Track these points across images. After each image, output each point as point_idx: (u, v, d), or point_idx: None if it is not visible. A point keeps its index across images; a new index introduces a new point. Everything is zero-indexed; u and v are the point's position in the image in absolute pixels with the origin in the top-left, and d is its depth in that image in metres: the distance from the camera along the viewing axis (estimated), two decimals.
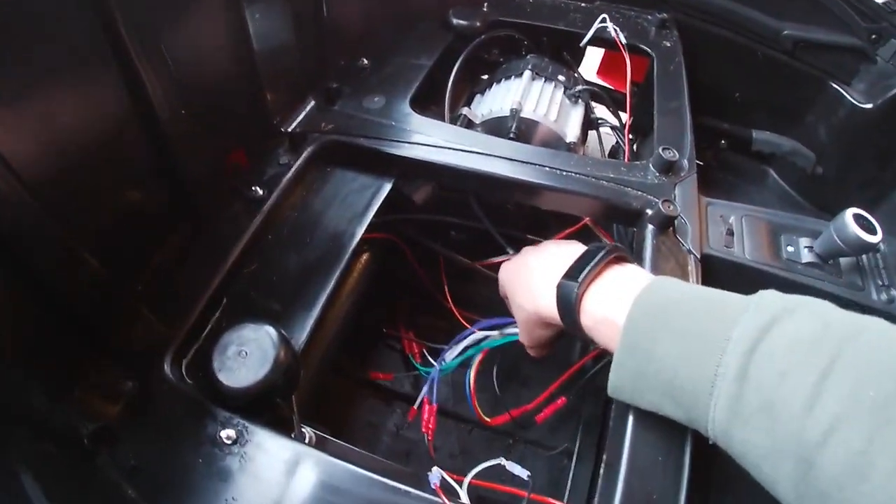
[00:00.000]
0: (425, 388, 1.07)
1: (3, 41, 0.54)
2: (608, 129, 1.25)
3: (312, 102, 1.05)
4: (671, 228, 0.86)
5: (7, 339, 0.61)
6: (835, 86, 1.36)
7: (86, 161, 0.68)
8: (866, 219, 0.82)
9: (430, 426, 1.05)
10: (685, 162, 0.96)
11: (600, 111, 1.27)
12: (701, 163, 1.54)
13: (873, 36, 1.28)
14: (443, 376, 1.08)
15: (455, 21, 1.23)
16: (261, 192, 0.90)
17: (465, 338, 1.01)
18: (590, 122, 1.18)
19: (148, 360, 0.70)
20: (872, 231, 0.80)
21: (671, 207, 0.85)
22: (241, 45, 0.87)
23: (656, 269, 0.81)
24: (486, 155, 0.94)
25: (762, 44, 1.38)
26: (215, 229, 0.85)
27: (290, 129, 0.99)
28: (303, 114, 1.03)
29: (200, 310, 0.76)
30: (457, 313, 1.08)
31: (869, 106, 1.31)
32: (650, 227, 0.86)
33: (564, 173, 0.92)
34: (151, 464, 0.63)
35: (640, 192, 0.90)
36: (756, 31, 1.37)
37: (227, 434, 0.63)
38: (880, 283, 0.86)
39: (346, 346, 1.07)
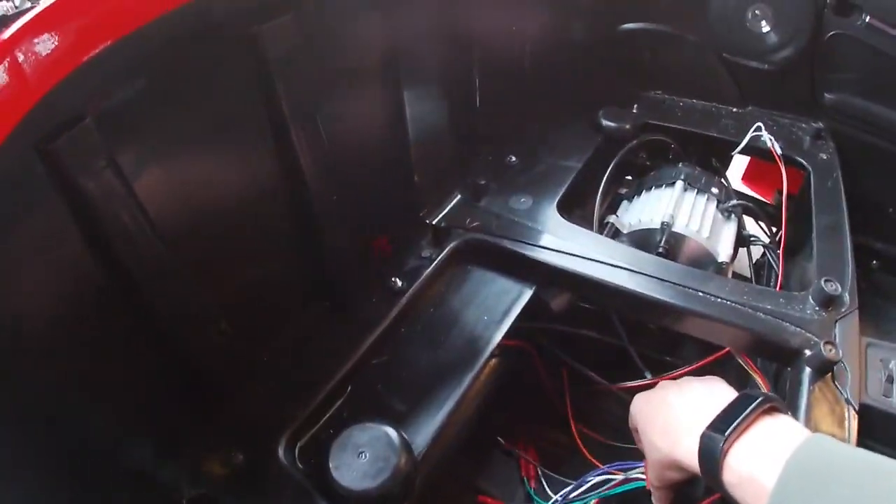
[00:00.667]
0: None
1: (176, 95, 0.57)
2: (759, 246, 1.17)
3: (459, 196, 1.06)
4: (830, 374, 0.79)
5: (126, 389, 0.62)
6: None
7: (230, 223, 0.71)
8: None
9: None
10: (846, 296, 0.88)
11: (750, 225, 1.20)
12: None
13: None
14: None
15: (605, 122, 1.22)
16: (400, 283, 0.91)
17: (588, 480, 0.97)
18: (741, 239, 1.11)
19: (262, 435, 0.70)
20: None
21: (832, 351, 0.78)
22: (397, 125, 0.90)
23: (810, 421, 0.74)
24: (632, 271, 0.91)
25: None
26: (351, 314, 0.86)
27: (434, 222, 0.99)
28: (448, 207, 1.04)
29: (324, 395, 0.75)
30: (577, 437, 1.03)
31: None
32: (808, 369, 0.79)
33: (714, 299, 0.87)
34: None
35: (797, 329, 0.84)
36: None
37: None
38: None
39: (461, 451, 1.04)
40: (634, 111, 1.28)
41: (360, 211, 0.87)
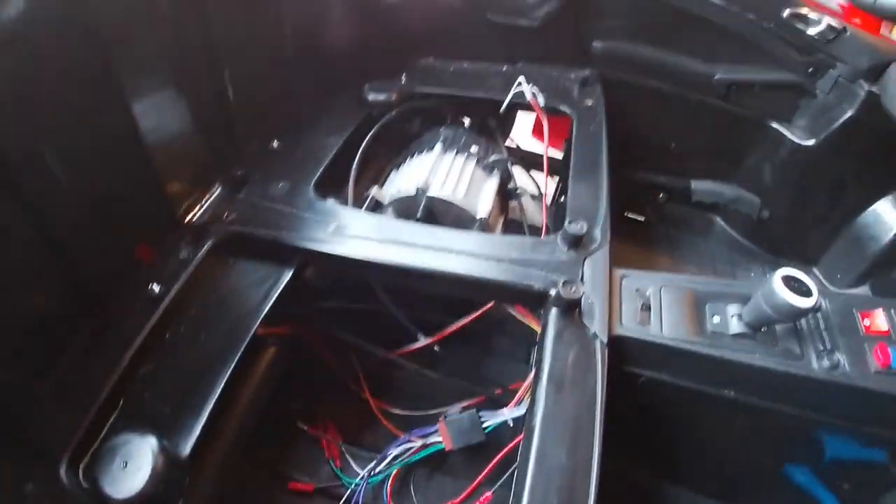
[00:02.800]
0: None
1: None
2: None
3: (219, 190, 1.02)
4: (577, 310, 0.80)
5: None
6: (774, 125, 1.32)
7: None
8: (799, 280, 0.73)
9: None
10: (597, 232, 0.91)
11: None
12: (642, 218, 1.51)
13: (810, 69, 1.23)
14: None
15: (370, 96, 1.20)
16: (158, 289, 0.87)
17: (390, 452, 0.97)
18: (508, 193, 1.13)
19: (46, 461, 0.69)
20: (807, 293, 0.72)
21: (573, 289, 0.80)
22: (129, 137, 0.85)
23: (557, 358, 0.75)
24: (386, 241, 0.90)
25: (695, 90, 1.34)
26: (116, 328, 0.82)
27: (192, 220, 0.96)
28: (208, 202, 1.00)
29: (96, 412, 0.74)
30: (374, 407, 1.03)
31: (812, 142, 1.26)
32: (554, 310, 0.81)
33: (466, 257, 0.87)
34: None
35: (543, 272, 0.85)
36: (687, 79, 1.33)
37: None
38: (821, 347, 0.79)
39: (264, 441, 1.03)
40: (403, 81, 1.27)
41: (110, 226, 0.83)
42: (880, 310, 0.84)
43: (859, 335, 0.81)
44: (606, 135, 1.14)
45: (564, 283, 0.80)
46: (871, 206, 1.28)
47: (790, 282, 0.73)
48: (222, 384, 0.79)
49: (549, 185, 1.20)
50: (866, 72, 1.15)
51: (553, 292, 0.81)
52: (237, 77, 1.03)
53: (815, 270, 1.39)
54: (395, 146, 1.24)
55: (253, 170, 1.05)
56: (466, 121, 1.30)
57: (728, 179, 1.45)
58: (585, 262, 0.87)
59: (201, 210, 0.98)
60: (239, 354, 0.82)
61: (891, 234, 1.23)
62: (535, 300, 0.86)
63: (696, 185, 1.46)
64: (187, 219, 0.97)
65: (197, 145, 0.99)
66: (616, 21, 1.30)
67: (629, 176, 1.47)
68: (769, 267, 1.42)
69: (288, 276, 0.92)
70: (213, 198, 1.00)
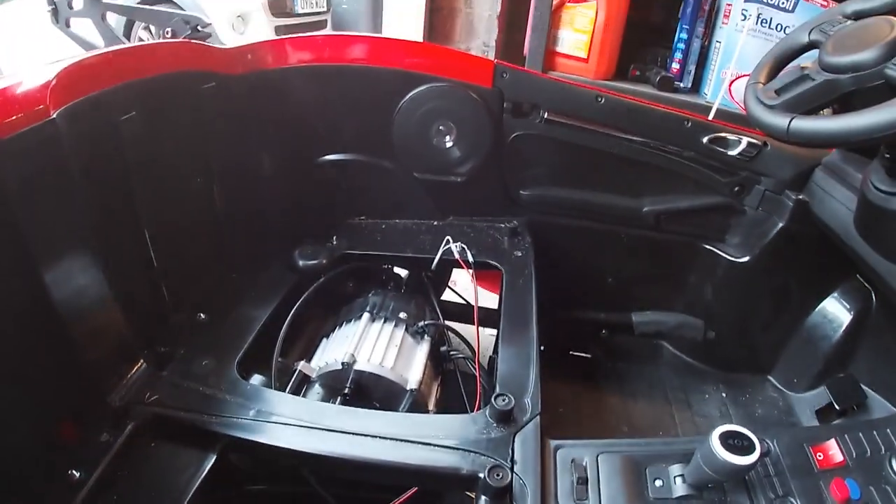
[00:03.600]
0: None
1: None
2: None
3: (143, 366, 0.98)
4: (508, 496, 0.77)
5: None
6: (708, 247, 1.36)
7: None
8: (740, 435, 0.71)
9: None
10: (527, 402, 0.89)
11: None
12: (589, 355, 1.50)
13: (736, 188, 1.28)
14: None
15: (300, 262, 1.20)
16: (78, 475, 0.81)
17: None
18: (442, 356, 1.11)
19: None
20: (748, 449, 0.69)
21: (500, 476, 0.76)
22: (42, 313, 0.82)
23: None
24: (308, 427, 0.86)
25: (625, 225, 1.38)
26: None
27: (114, 401, 0.92)
28: (132, 380, 0.96)
29: None
30: None
31: (747, 258, 1.29)
32: (483, 499, 0.77)
33: (392, 442, 0.84)
34: None
35: (471, 455, 0.81)
36: (615, 215, 1.37)
37: None
38: (773, 495, 0.76)
39: None
40: (333, 243, 1.28)
41: (25, 409, 0.79)
42: (832, 441, 0.82)
43: (813, 472, 0.79)
44: (538, 282, 1.15)
45: (491, 470, 0.77)
46: (816, 307, 1.31)
47: (729, 439, 0.70)
48: None
49: (487, 338, 1.19)
50: (791, 181, 1.21)
51: (482, 475, 0.77)
52: (161, 247, 1.03)
53: (771, 378, 1.39)
54: (330, 308, 1.23)
55: (178, 346, 1.02)
56: (403, 273, 1.31)
57: (669, 305, 1.47)
58: (516, 438, 0.83)
59: (125, 389, 0.94)
60: None
61: (840, 332, 1.25)
62: (466, 484, 0.82)
63: (636, 317, 1.47)
64: (110, 397, 0.92)
65: (120, 318, 0.96)
66: (538, 170, 1.36)
67: (570, 315, 1.48)
68: (723, 386, 1.41)
69: (211, 461, 0.87)
70: (136, 375, 0.97)
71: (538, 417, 0.87)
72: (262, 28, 4.75)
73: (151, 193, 1.01)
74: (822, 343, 1.28)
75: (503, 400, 0.85)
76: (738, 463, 0.68)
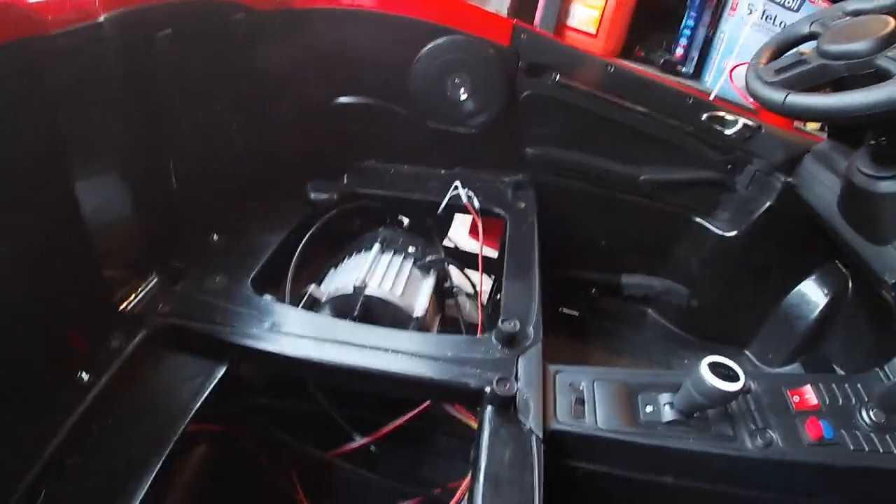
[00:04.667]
0: None
1: None
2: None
3: (155, 280, 1.01)
4: (512, 407, 0.82)
5: None
6: (698, 220, 1.44)
7: None
8: (726, 366, 0.78)
9: None
10: (530, 330, 0.95)
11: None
12: (577, 313, 1.57)
13: (729, 166, 1.36)
14: None
15: (312, 195, 1.24)
16: (87, 377, 0.84)
17: None
18: (445, 292, 1.16)
19: None
20: (734, 377, 0.76)
21: (507, 386, 0.82)
22: (69, 216, 0.84)
23: (493, 456, 0.76)
24: (321, 340, 0.91)
25: (621, 191, 1.44)
26: (42, 418, 0.79)
27: (126, 310, 0.94)
28: (143, 292, 0.99)
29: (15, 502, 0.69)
30: None
31: (734, 233, 1.37)
32: (489, 408, 0.82)
33: (403, 355, 0.89)
34: None
35: (477, 370, 0.87)
36: (614, 180, 1.44)
37: None
38: (753, 427, 0.83)
39: None
40: (344, 181, 1.33)
41: (42, 308, 0.81)
42: (808, 386, 0.89)
43: (790, 412, 0.86)
44: (538, 236, 1.20)
45: (499, 381, 0.82)
46: (795, 287, 1.39)
47: (717, 368, 0.77)
48: (150, 481, 0.76)
49: (483, 283, 1.25)
50: (782, 164, 1.29)
51: (488, 389, 0.83)
52: (181, 169, 1.06)
53: (748, 353, 1.48)
54: (336, 244, 1.27)
55: (191, 262, 1.05)
56: (405, 221, 1.35)
57: (657, 272, 1.54)
58: (519, 360, 0.90)
59: (136, 299, 0.97)
60: (168, 450, 0.80)
61: (816, 312, 1.33)
62: (471, 398, 0.87)
63: (626, 279, 1.54)
64: (122, 307, 0.95)
65: (137, 233, 0.99)
66: (546, 130, 1.41)
67: (563, 273, 1.54)
68: (702, 353, 1.48)
69: (221, 371, 0.90)
70: (149, 288, 1.00)
71: (540, 343, 0.93)
72: None
73: (177, 114, 1.03)
74: (798, 322, 1.36)
75: (510, 323, 0.91)
76: (725, 389, 0.75)
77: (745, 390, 0.79)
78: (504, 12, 2.40)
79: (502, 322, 0.91)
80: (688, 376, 0.80)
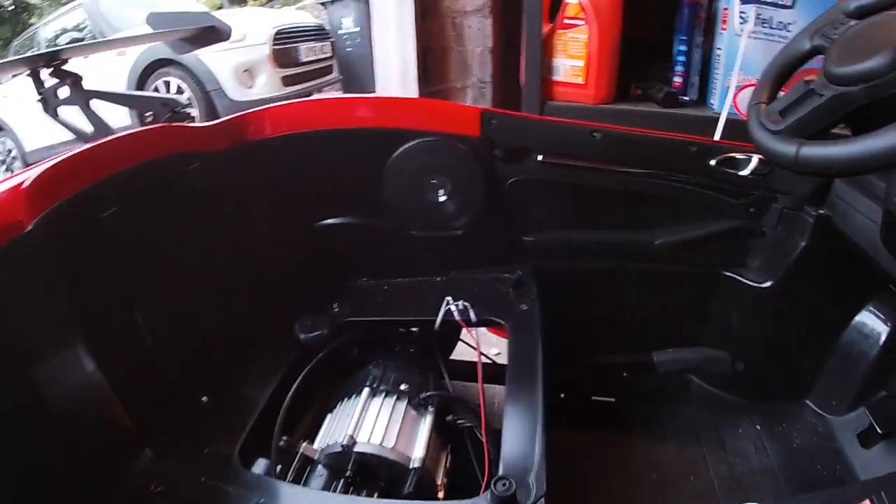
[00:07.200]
0: None
1: None
2: None
3: (149, 454, 0.95)
4: None
5: None
6: (728, 275, 1.28)
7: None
8: None
9: None
10: (531, 482, 0.82)
11: None
12: (613, 399, 1.43)
13: (752, 209, 1.20)
14: None
15: (301, 336, 1.18)
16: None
17: None
18: (448, 425, 1.06)
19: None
20: None
21: None
22: (34, 417, 0.81)
23: None
24: None
25: (637, 261, 1.32)
26: None
27: (120, 494, 0.89)
28: (137, 470, 0.93)
29: None
30: None
31: (770, 283, 1.21)
32: None
33: None
34: None
35: None
36: (626, 252, 1.31)
37: None
38: None
39: None
40: (335, 310, 1.26)
41: None
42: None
43: None
44: (543, 344, 1.10)
45: None
46: (850, 323, 1.21)
47: None
48: None
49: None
50: (810, 196, 1.12)
51: None
52: (159, 329, 1.02)
53: (808, 402, 1.29)
54: (340, 378, 1.20)
55: (183, 430, 1.00)
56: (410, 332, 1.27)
57: (692, 341, 1.39)
58: None
59: (132, 478, 0.92)
60: None
61: (878, 347, 1.15)
62: None
63: (657, 356, 1.40)
64: (116, 491, 0.90)
65: (119, 409, 0.94)
66: (541, 214, 1.32)
67: (590, 359, 1.42)
68: (757, 419, 1.33)
69: None
70: (142, 463, 0.94)
71: (542, 501, 0.81)
72: (269, 79, 4.84)
73: (146, 282, 1.00)
74: (859, 360, 1.19)
75: (503, 485, 0.79)
76: None
77: None
78: (488, 78, 2.36)
79: (495, 484, 0.80)
80: None
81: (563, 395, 1.40)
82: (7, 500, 0.76)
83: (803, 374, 1.30)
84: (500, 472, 0.83)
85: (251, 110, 1.25)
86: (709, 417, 1.37)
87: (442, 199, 1.27)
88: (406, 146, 1.23)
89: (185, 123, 1.23)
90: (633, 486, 1.24)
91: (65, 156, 0.93)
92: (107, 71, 4.64)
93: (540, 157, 1.24)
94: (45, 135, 5.24)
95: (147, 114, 1.28)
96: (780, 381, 1.33)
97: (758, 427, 1.32)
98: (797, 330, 1.26)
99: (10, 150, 6.13)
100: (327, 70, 5.44)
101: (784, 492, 1.17)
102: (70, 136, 1.48)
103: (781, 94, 0.96)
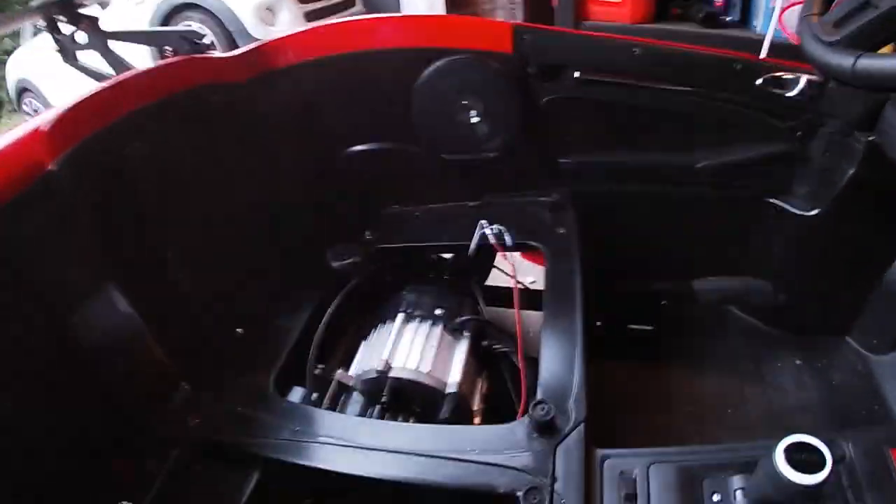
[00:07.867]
0: None
1: None
2: None
3: (185, 388, 0.97)
4: None
5: None
6: (773, 201, 1.21)
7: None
8: (809, 447, 0.59)
9: None
10: (570, 407, 0.80)
11: None
12: (649, 327, 1.38)
13: (799, 133, 1.12)
14: None
15: (333, 263, 1.15)
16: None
17: None
18: (485, 350, 1.04)
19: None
20: (818, 465, 0.58)
21: (537, 498, 0.71)
22: (69, 362, 0.83)
23: None
24: (343, 446, 0.83)
25: (678, 185, 1.25)
26: None
27: (158, 429, 0.92)
28: (174, 405, 0.95)
29: None
30: None
31: (817, 211, 1.14)
32: None
33: (428, 459, 0.79)
34: None
35: (510, 471, 0.75)
36: (667, 175, 1.25)
37: None
38: None
39: None
40: (367, 237, 1.23)
41: (74, 445, 0.84)
42: None
43: (892, 481, 0.68)
44: (582, 268, 1.06)
45: (528, 492, 0.71)
46: None
47: (796, 452, 0.59)
48: None
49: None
50: (861, 121, 1.03)
51: (519, 495, 0.71)
52: (190, 265, 1.01)
53: (849, 339, 1.24)
54: (375, 305, 1.18)
55: (217, 364, 1.01)
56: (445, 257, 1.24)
57: (733, 270, 1.34)
58: (558, 450, 0.76)
59: (169, 413, 0.94)
60: None
61: None
62: (504, 502, 0.75)
63: (698, 284, 1.34)
64: (155, 425, 0.93)
65: (154, 347, 0.95)
66: (577, 135, 1.26)
67: (628, 286, 1.38)
68: (798, 352, 1.28)
69: (253, 482, 0.86)
70: (179, 398, 0.96)
71: (582, 426, 0.79)
72: (291, 15, 4.72)
73: (174, 217, 0.99)
74: None
75: (542, 409, 0.78)
76: (805, 483, 0.57)
77: (836, 463, 0.60)
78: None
79: (533, 408, 0.78)
80: (762, 463, 0.63)
81: (598, 323, 1.36)
82: (55, 437, 0.78)
83: (845, 310, 1.23)
84: (539, 397, 0.81)
85: (273, 38, 1.20)
86: (748, 349, 1.32)
87: (474, 120, 1.21)
88: (434, 66, 1.17)
89: (206, 55, 1.19)
90: (670, 418, 1.21)
91: (85, 95, 0.91)
92: (126, 21, 4.58)
93: (577, 74, 1.17)
94: (71, 94, 5.24)
95: (168, 50, 1.22)
96: (822, 315, 1.27)
97: (797, 362, 1.27)
98: (842, 262, 1.18)
99: (36, 110, 6.17)
100: (350, 3, 5.27)
101: (821, 429, 1.13)
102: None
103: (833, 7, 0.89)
